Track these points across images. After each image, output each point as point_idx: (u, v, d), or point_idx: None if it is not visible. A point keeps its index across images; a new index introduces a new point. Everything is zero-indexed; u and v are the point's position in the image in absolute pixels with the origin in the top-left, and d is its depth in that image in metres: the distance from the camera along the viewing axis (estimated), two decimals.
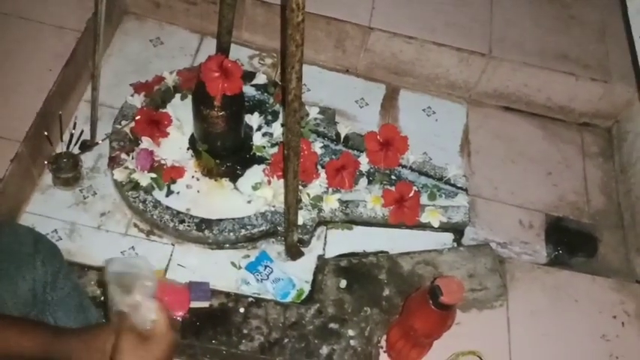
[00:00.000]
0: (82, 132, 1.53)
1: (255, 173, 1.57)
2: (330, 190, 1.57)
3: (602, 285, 1.59)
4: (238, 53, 1.83)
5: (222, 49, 1.61)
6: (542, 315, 1.50)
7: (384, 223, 1.58)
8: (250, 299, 1.39)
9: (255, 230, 1.49)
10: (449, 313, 1.19)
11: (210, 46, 1.80)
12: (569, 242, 1.67)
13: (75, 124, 1.54)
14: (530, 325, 1.49)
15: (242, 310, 1.37)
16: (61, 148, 1.50)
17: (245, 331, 1.34)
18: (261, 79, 1.74)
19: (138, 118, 1.51)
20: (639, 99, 1.59)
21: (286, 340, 1.34)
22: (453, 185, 1.65)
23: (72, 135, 1.51)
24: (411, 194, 1.57)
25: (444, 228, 1.60)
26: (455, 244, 1.60)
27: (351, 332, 1.37)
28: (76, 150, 1.52)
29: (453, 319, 1.23)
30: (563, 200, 1.75)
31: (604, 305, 1.56)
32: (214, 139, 1.52)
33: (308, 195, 1.55)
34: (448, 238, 1.61)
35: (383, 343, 1.40)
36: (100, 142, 1.52)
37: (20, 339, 0.83)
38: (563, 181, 1.78)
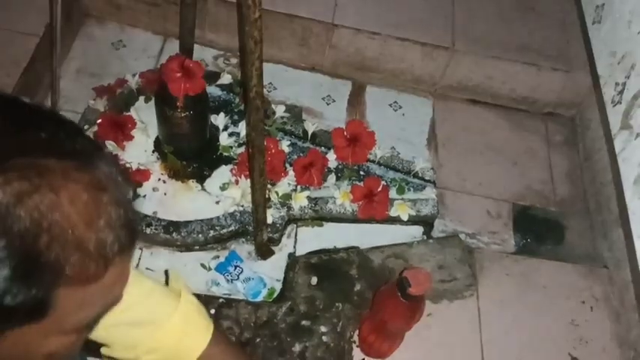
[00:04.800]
0: None
1: (222, 173, 1.56)
2: (299, 187, 1.57)
3: (570, 271, 1.62)
4: (202, 53, 1.82)
5: (186, 50, 1.60)
6: (511, 303, 1.52)
7: (353, 219, 1.59)
8: (221, 300, 1.38)
9: (225, 231, 1.48)
10: (418, 304, 1.20)
11: (173, 48, 1.79)
12: (536, 230, 1.69)
13: None
14: (500, 313, 1.50)
15: (213, 311, 1.36)
16: None
17: None
18: (226, 78, 1.74)
19: (100, 122, 1.49)
20: (594, 87, 1.60)
21: (258, 340, 1.34)
22: (421, 178, 1.66)
23: None
24: (379, 189, 1.58)
25: (413, 221, 1.60)
26: (424, 237, 1.61)
27: (323, 328, 1.37)
28: None
29: (423, 311, 1.23)
30: (530, 189, 1.77)
31: (572, 291, 1.58)
32: (179, 141, 1.50)
33: (277, 193, 1.55)
34: (418, 230, 1.62)
35: (355, 337, 1.40)
36: None
37: None
38: (529, 170, 1.81)
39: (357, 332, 1.40)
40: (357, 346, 1.39)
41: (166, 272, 0.87)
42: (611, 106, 0.98)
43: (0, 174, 0.44)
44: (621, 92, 0.92)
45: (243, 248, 1.51)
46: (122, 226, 0.50)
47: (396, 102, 1.89)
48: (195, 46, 1.65)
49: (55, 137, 0.49)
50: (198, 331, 0.85)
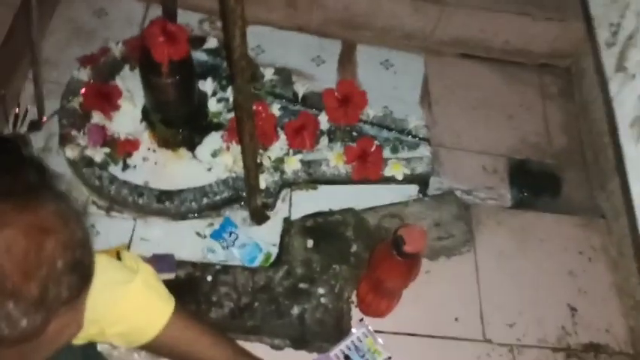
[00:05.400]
0: (26, 111, 1.47)
1: (213, 140, 1.53)
2: (291, 151, 1.55)
3: (568, 223, 1.61)
4: (187, 18, 1.78)
5: (169, 15, 1.56)
6: (509, 257, 1.52)
7: (348, 180, 1.57)
8: (217, 267, 1.38)
9: (218, 198, 1.46)
10: (414, 261, 1.19)
11: (156, 14, 1.74)
12: (533, 184, 1.68)
13: (19, 103, 1.48)
14: (498, 267, 1.50)
15: (209, 278, 1.35)
16: (8, 130, 1.45)
17: (214, 299, 1.33)
18: (212, 43, 1.69)
19: (83, 92, 1.46)
20: (587, 31, 1.54)
21: (256, 304, 1.33)
22: (415, 136, 1.63)
23: (17, 115, 1.45)
24: (372, 149, 1.56)
25: (408, 180, 1.59)
26: (420, 195, 1.59)
27: (321, 290, 1.37)
28: (24, 130, 1.46)
29: (419, 268, 1.23)
30: (525, 143, 1.75)
31: (570, 242, 1.58)
32: (167, 108, 1.47)
33: (269, 158, 1.53)
34: (413, 189, 1.61)
35: (354, 298, 1.40)
36: (44, 120, 1.47)
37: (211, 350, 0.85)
38: (524, 123, 1.78)
39: (355, 292, 1.40)
40: (356, 307, 1.39)
41: (118, 254, 0.85)
42: (605, 48, 0.94)
43: None
44: (616, 33, 0.89)
45: (238, 214, 1.50)
46: (71, 271, 0.45)
47: (387, 60, 1.85)
48: (180, 10, 1.61)
49: None
50: (161, 298, 0.82)
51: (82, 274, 0.47)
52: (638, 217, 0.80)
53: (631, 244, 1.48)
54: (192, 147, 1.52)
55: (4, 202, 0.42)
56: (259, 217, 1.49)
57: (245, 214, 1.50)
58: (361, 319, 1.37)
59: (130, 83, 1.55)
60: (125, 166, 1.47)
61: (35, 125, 1.49)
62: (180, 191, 1.45)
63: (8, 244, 0.41)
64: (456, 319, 1.42)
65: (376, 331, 1.35)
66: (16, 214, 0.42)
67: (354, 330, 1.35)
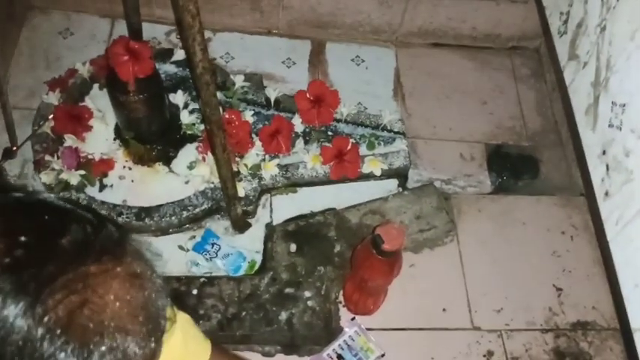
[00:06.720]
0: None
1: (188, 152, 1.54)
2: (268, 156, 1.55)
3: (548, 203, 1.62)
4: (154, 31, 1.77)
5: (134, 30, 1.55)
6: (492, 243, 1.53)
7: (327, 181, 1.57)
8: (202, 279, 1.38)
9: (198, 210, 1.46)
10: (394, 258, 1.20)
11: (122, 29, 1.72)
12: (511, 167, 1.69)
13: None
14: (482, 254, 1.51)
15: (195, 291, 1.35)
16: None
17: (201, 312, 1.33)
18: (180, 54, 1.69)
19: (52, 116, 1.46)
20: (541, 22, 1.53)
21: (244, 314, 1.34)
22: (390, 131, 1.64)
23: None
24: (349, 147, 1.56)
25: (387, 175, 1.59)
26: (400, 189, 1.60)
27: (307, 294, 1.38)
28: None
29: (401, 264, 1.23)
30: (501, 127, 1.76)
31: (551, 223, 1.59)
32: (139, 125, 1.47)
33: (246, 166, 1.53)
34: (393, 184, 1.61)
35: (341, 298, 1.41)
36: (15, 148, 1.46)
37: None
38: (499, 108, 1.79)
39: (341, 293, 1.40)
40: (343, 306, 1.40)
41: None
42: (557, 37, 0.95)
43: (49, 295, 0.44)
44: (566, 22, 0.90)
45: (219, 225, 1.50)
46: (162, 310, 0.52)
47: (357, 56, 1.85)
48: (145, 24, 1.59)
49: (85, 239, 0.49)
50: (199, 342, 0.85)
51: (169, 302, 0.54)
52: (600, 205, 0.81)
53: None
54: (167, 161, 1.52)
55: (105, 259, 0.49)
56: (241, 225, 1.49)
57: (226, 223, 1.50)
58: (353, 318, 1.38)
59: (100, 103, 1.55)
60: (102, 187, 1.46)
61: (8, 153, 1.48)
62: (160, 206, 1.45)
63: (117, 294, 0.48)
64: (444, 310, 1.43)
65: (367, 329, 1.36)
66: (116, 268, 0.49)
67: (346, 329, 1.36)
